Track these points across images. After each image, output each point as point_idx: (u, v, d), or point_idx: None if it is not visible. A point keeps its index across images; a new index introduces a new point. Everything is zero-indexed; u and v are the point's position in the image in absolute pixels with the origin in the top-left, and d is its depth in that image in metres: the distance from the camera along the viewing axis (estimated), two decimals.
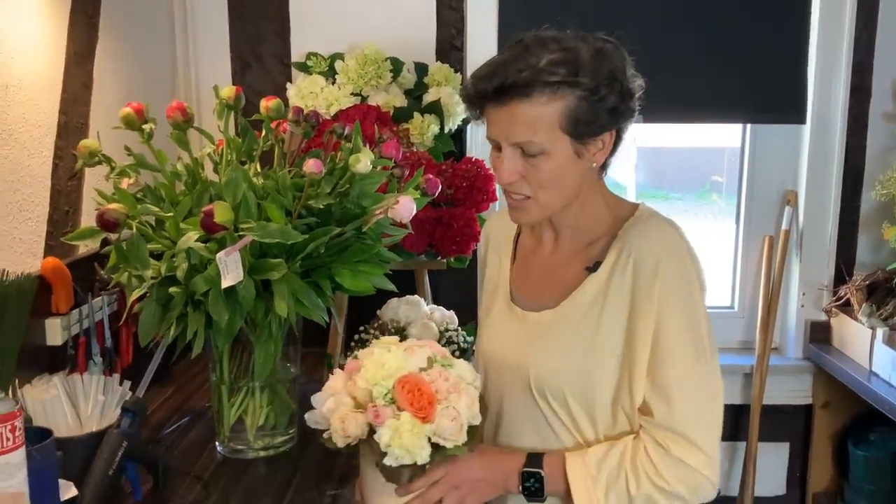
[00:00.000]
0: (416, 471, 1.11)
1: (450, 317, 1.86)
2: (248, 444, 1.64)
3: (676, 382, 1.16)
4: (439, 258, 2.04)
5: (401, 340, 1.79)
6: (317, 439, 1.73)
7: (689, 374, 1.17)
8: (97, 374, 1.52)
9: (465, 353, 1.75)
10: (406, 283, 1.96)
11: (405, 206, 1.40)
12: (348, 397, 1.13)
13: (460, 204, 1.94)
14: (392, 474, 1.11)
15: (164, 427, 1.75)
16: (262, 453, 1.64)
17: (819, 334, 2.38)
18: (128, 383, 1.51)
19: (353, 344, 1.84)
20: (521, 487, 1.21)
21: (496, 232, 1.45)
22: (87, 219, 1.70)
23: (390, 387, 1.10)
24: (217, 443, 1.66)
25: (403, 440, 1.06)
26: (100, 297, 1.69)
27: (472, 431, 1.13)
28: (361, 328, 1.83)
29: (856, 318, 2.21)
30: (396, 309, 1.85)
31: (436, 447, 1.10)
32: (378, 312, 1.88)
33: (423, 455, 1.08)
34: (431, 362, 1.15)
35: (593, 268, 1.23)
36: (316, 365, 2.07)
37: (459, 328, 1.82)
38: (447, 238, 1.91)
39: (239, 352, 1.63)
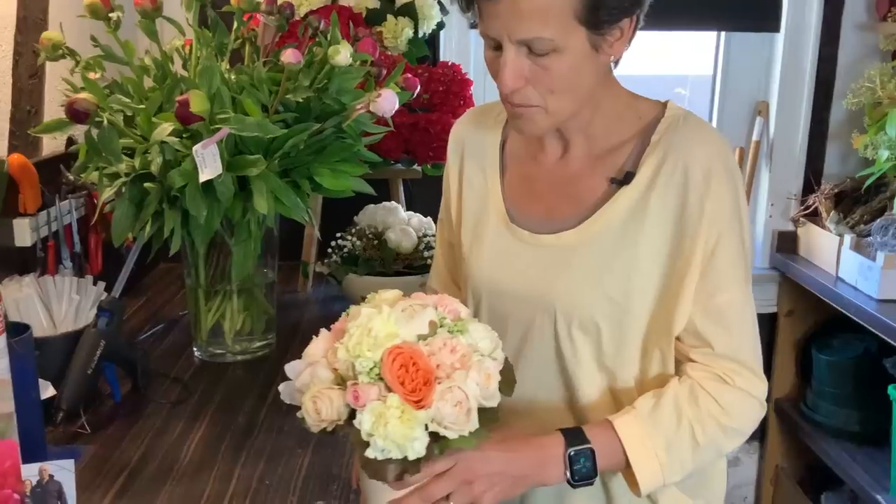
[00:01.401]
0: (409, 467, 0.88)
1: (427, 223, 1.84)
2: (226, 348, 1.63)
3: (733, 308, 1.04)
4: (415, 165, 2.01)
5: (378, 247, 1.79)
6: (296, 345, 1.74)
7: (742, 298, 1.05)
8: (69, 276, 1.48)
9: None
10: (380, 193, 1.93)
11: (388, 100, 1.37)
12: (327, 370, 0.92)
13: (437, 109, 1.90)
14: (376, 469, 0.88)
15: (139, 334, 1.73)
16: (239, 357, 1.63)
17: (786, 244, 2.42)
18: (102, 284, 1.47)
19: (329, 251, 1.82)
20: (569, 473, 0.99)
21: (472, 138, 1.22)
22: (51, 118, 1.62)
23: (378, 359, 0.88)
24: (194, 347, 1.64)
25: (390, 429, 0.84)
26: (67, 201, 1.64)
27: (488, 416, 0.91)
28: (338, 234, 1.81)
29: (823, 227, 2.24)
30: (374, 214, 1.83)
31: (436, 437, 0.88)
32: (355, 218, 1.86)
33: (415, 448, 0.86)
34: (435, 327, 0.92)
35: (624, 179, 1.05)
36: (292, 276, 2.05)
37: None
38: (424, 144, 1.88)
39: (215, 256, 1.60)
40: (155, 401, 1.42)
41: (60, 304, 1.42)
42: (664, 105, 1.10)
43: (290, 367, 0.97)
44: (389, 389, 0.86)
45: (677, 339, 1.06)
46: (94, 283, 1.46)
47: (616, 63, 1.06)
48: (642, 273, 1.05)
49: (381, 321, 0.90)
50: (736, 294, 1.04)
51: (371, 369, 0.88)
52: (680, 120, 1.06)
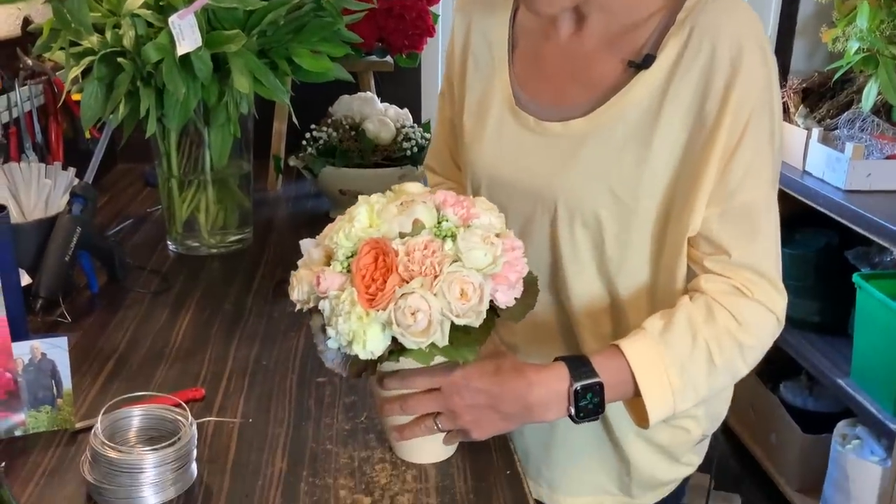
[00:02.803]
0: (368, 366, 0.84)
1: (405, 114, 1.79)
2: (202, 241, 1.58)
3: (755, 210, 0.91)
4: (388, 57, 1.95)
5: (356, 138, 1.73)
6: (272, 241, 1.70)
7: (766, 200, 0.92)
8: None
9: (423, 149, 1.70)
10: (350, 86, 1.86)
11: None
12: (319, 250, 0.88)
13: None
14: (331, 360, 0.86)
15: (108, 228, 1.66)
16: (214, 251, 1.58)
17: None
18: (73, 169, 1.40)
19: (304, 143, 1.76)
20: (573, 409, 0.87)
21: (480, 9, 1.08)
22: None
23: (354, 249, 0.84)
24: (168, 241, 1.59)
25: (339, 322, 0.80)
26: (25, 87, 1.54)
27: (471, 336, 0.82)
28: (312, 126, 1.75)
29: (791, 122, 2.26)
30: (349, 104, 1.77)
31: (395, 345, 0.82)
32: (330, 109, 1.80)
33: (367, 347, 0.80)
34: (420, 227, 0.84)
35: (643, 63, 0.92)
36: (259, 174, 1.98)
37: (416, 125, 1.76)
38: (399, 32, 1.81)
39: (186, 146, 1.54)
40: (135, 290, 1.38)
41: (29, 193, 1.35)
42: None
43: (304, 243, 0.92)
44: (353, 283, 0.82)
45: (690, 244, 0.95)
46: (64, 168, 1.39)
47: None
48: (654, 172, 0.93)
49: (364, 210, 0.86)
50: (759, 194, 0.91)
51: (347, 258, 0.84)
52: None
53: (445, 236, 0.83)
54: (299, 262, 0.91)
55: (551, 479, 1.10)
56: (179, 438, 0.87)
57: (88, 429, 0.94)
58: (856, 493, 1.91)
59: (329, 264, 0.86)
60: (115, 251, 1.39)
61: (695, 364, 0.89)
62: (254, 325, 1.26)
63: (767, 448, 2.41)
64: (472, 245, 0.82)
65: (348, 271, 0.83)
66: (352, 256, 0.83)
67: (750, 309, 0.91)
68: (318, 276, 0.83)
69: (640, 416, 0.91)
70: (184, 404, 0.91)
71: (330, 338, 0.83)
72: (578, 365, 0.88)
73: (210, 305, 1.33)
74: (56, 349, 0.98)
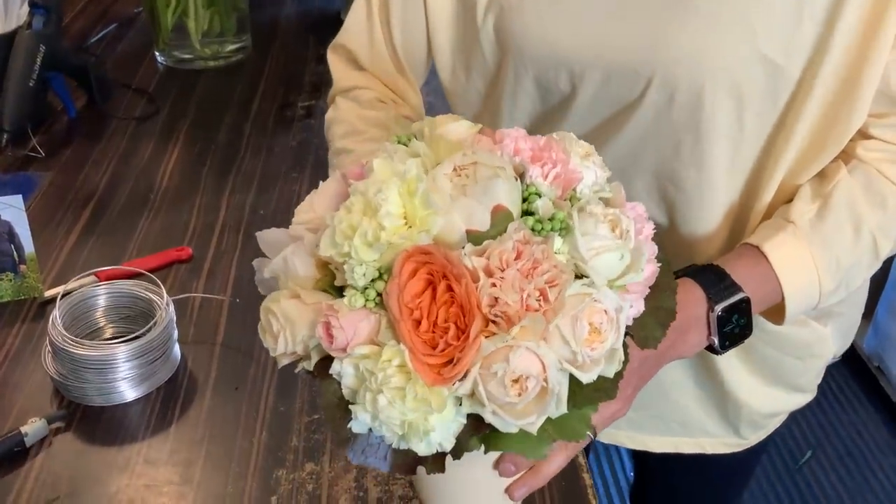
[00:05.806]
0: (429, 461, 0.48)
1: None
2: (194, 52, 1.38)
3: None
4: None
5: None
6: (276, 50, 1.49)
7: None
8: None
9: None
10: None
11: None
12: (308, 261, 0.49)
13: None
14: (365, 455, 0.51)
15: (87, 37, 1.46)
16: (211, 63, 1.39)
17: None
18: None
19: None
20: (716, 338, 0.65)
21: None
22: None
23: (384, 264, 0.46)
24: (156, 52, 1.39)
25: (381, 403, 0.44)
26: None
27: (594, 391, 0.47)
28: None
29: None
30: None
31: (478, 423, 0.46)
32: None
33: (435, 441, 0.46)
34: (506, 218, 0.47)
35: None
36: None
37: None
38: None
39: None
40: (117, 117, 1.21)
41: None
42: None
43: (265, 237, 0.52)
44: (395, 331, 0.45)
45: None
46: None
47: None
48: (819, 13, 0.62)
49: (397, 193, 0.45)
50: None
51: (371, 283, 0.45)
52: None
53: (551, 230, 0.46)
54: (264, 273, 0.51)
55: (635, 420, 0.84)
56: (156, 323, 0.74)
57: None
58: None
59: (332, 285, 0.48)
60: (91, 70, 1.21)
61: (857, 262, 0.67)
62: (251, 164, 1.10)
63: None
64: (598, 244, 0.46)
65: (378, 305, 0.46)
66: (380, 277, 0.46)
67: None
68: (325, 320, 0.45)
69: (773, 313, 0.70)
70: (159, 282, 0.77)
71: (356, 420, 0.46)
72: (714, 280, 0.65)
73: (202, 135, 1.17)
74: (11, 209, 0.84)
